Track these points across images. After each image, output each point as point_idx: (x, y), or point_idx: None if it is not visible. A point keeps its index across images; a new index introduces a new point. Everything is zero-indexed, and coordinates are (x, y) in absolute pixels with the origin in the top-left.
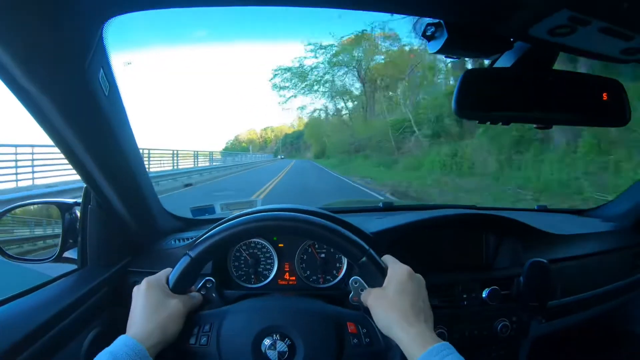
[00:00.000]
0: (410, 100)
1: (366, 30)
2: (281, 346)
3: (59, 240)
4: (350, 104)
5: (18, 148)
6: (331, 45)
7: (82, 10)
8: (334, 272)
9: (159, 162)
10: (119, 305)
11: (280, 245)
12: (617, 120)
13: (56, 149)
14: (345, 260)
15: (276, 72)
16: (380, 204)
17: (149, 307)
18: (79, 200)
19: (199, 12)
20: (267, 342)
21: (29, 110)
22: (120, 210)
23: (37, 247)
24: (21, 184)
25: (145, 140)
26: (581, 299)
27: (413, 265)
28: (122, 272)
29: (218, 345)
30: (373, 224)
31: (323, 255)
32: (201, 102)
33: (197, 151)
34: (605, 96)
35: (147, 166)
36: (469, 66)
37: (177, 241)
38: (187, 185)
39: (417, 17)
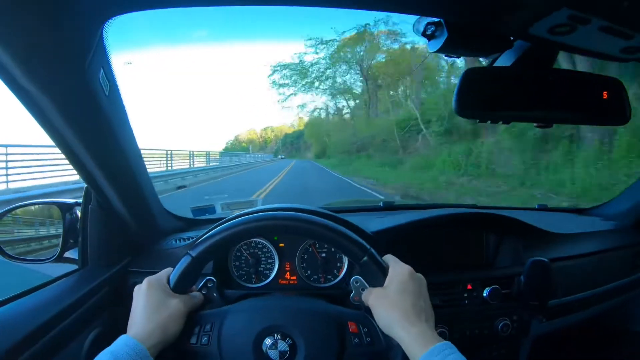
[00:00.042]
0: (417, 97)
1: (369, 24)
2: (282, 346)
3: (59, 241)
4: (352, 103)
5: (9, 148)
6: (333, 40)
7: (82, 10)
8: (335, 271)
9: (150, 162)
10: (119, 306)
11: (280, 244)
12: (617, 119)
13: (53, 150)
14: (346, 260)
15: (275, 68)
16: (381, 204)
17: (150, 306)
18: (80, 200)
19: (199, 12)
20: (268, 341)
21: (29, 110)
22: (121, 210)
23: (37, 247)
24: (17, 184)
25: (144, 140)
26: (582, 298)
27: (414, 264)
28: (122, 272)
29: (219, 345)
30: (373, 223)
31: (324, 254)
32: (201, 102)
33: (193, 151)
34: (605, 95)
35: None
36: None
37: (177, 241)
38: (179, 188)
39: (417, 16)
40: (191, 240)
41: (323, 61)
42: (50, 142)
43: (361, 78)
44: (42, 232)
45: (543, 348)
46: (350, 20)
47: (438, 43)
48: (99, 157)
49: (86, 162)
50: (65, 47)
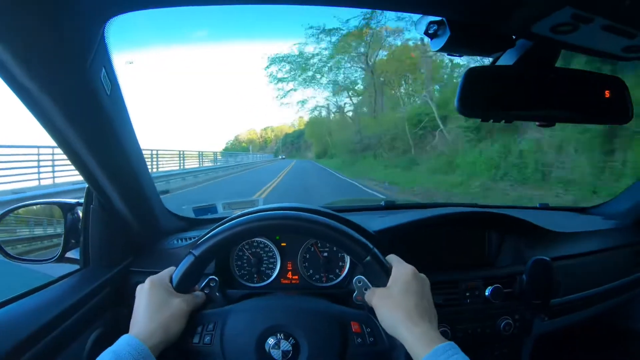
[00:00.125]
0: (428, 92)
1: (376, 11)
2: (285, 345)
3: (61, 241)
4: (355, 100)
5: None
6: (336, 30)
7: (83, 10)
8: (337, 270)
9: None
10: (121, 306)
11: (282, 244)
12: (619, 117)
13: (51, 150)
14: (348, 259)
15: (273, 60)
16: (382, 203)
17: (152, 306)
18: (81, 200)
19: (199, 12)
20: (271, 341)
21: (31, 110)
22: (123, 210)
23: (38, 247)
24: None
25: (143, 140)
26: (584, 297)
27: (416, 263)
28: (124, 272)
29: (222, 345)
30: (375, 222)
31: (326, 254)
32: (201, 102)
33: (184, 151)
34: (607, 94)
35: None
36: None
37: (179, 241)
38: (162, 193)
39: (419, 15)
40: (193, 240)
41: (325, 52)
42: (50, 142)
43: (365, 71)
44: (44, 232)
45: (545, 347)
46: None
47: (440, 42)
48: (100, 156)
49: (88, 162)
50: (66, 46)
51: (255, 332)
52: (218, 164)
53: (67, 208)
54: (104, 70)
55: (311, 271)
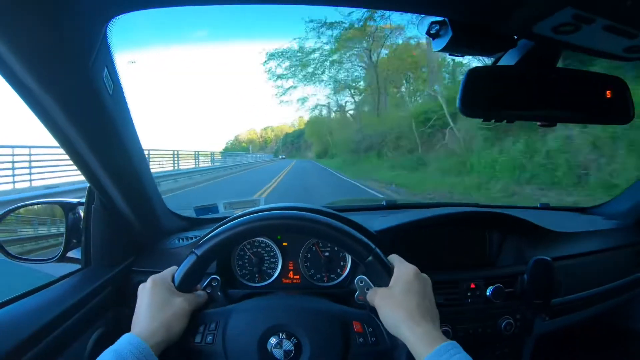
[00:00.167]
0: (432, 88)
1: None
2: (287, 345)
3: (62, 240)
4: (357, 98)
5: (16, 149)
6: (338, 23)
7: (85, 10)
8: (338, 270)
9: None
10: (122, 305)
11: (284, 244)
12: (621, 117)
13: (54, 150)
14: (349, 259)
15: (271, 56)
16: (384, 202)
17: (154, 305)
18: (82, 200)
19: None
20: (273, 340)
21: (33, 109)
22: (124, 210)
23: (40, 246)
24: (18, 185)
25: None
26: (584, 297)
27: (417, 263)
28: (125, 271)
29: (224, 344)
30: (377, 222)
31: (327, 253)
32: (201, 102)
33: (178, 151)
34: (609, 94)
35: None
36: None
37: (180, 240)
38: None
39: (421, 15)
40: (194, 239)
41: (327, 46)
42: (50, 142)
43: (368, 67)
44: (45, 231)
45: (546, 346)
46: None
47: (442, 42)
48: (102, 156)
49: (89, 162)
50: (69, 46)
51: (258, 331)
52: (216, 164)
53: (69, 208)
54: (106, 70)
55: (312, 271)
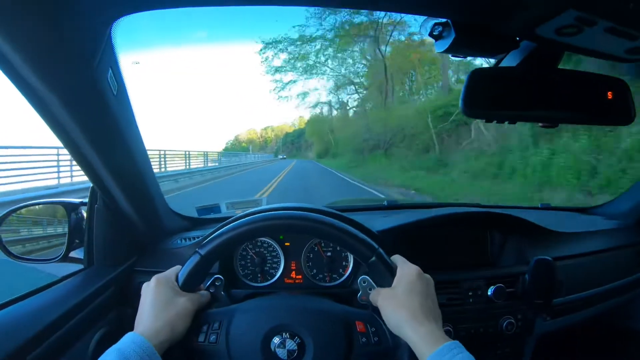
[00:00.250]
0: (445, 82)
1: None
2: (290, 345)
3: (64, 240)
4: (361, 93)
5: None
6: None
7: (90, 11)
8: (340, 270)
9: None
10: (125, 305)
11: (286, 244)
12: (622, 119)
13: (54, 151)
14: (351, 259)
15: (268, 44)
16: (385, 202)
17: (158, 304)
18: (85, 200)
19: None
20: (276, 340)
21: (38, 110)
22: (127, 210)
23: (42, 246)
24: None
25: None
26: (585, 297)
27: (419, 263)
28: (128, 271)
29: (227, 344)
30: (379, 222)
31: (329, 253)
32: (201, 102)
33: (165, 151)
34: (610, 95)
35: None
36: None
37: (183, 240)
38: None
39: (424, 17)
40: (197, 239)
41: (330, 34)
42: (50, 143)
43: (373, 59)
44: (47, 231)
45: (547, 346)
46: None
47: (445, 43)
48: (105, 156)
49: (93, 162)
50: (74, 47)
51: (261, 331)
52: (214, 164)
53: (71, 208)
54: (110, 70)
55: (315, 271)
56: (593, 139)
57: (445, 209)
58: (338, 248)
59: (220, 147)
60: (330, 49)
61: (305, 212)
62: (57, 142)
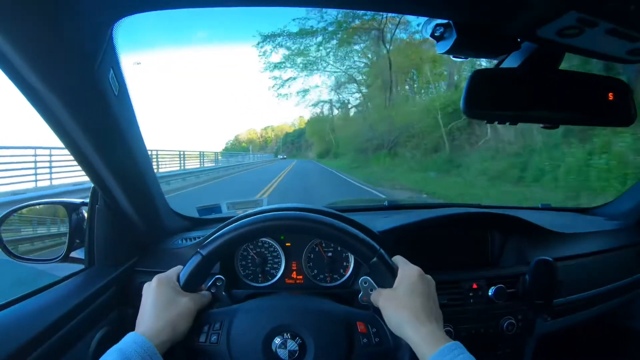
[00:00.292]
0: (451, 79)
1: None
2: (292, 345)
3: (65, 240)
4: (362, 91)
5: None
6: None
7: (92, 11)
8: (341, 270)
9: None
10: (126, 305)
11: (287, 244)
12: (623, 120)
13: (57, 151)
14: (352, 259)
15: (266, 38)
16: (386, 202)
17: (159, 304)
18: (86, 200)
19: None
20: (277, 340)
21: (39, 110)
22: (128, 210)
23: (43, 246)
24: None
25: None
26: (586, 297)
27: (419, 263)
28: (129, 271)
29: (228, 344)
30: (380, 222)
31: (330, 254)
32: (202, 103)
33: (157, 151)
34: (611, 96)
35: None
36: None
37: (184, 240)
38: None
39: (426, 18)
40: (197, 239)
41: (332, 27)
42: (49, 143)
43: (376, 54)
44: (48, 231)
45: (548, 347)
46: None
47: (447, 44)
48: (107, 157)
49: (94, 162)
50: (75, 47)
51: (262, 331)
52: (212, 164)
53: (72, 208)
54: (111, 71)
55: (315, 271)
56: (638, 137)
57: (446, 210)
58: (339, 248)
59: (220, 147)
60: (333, 41)
61: (306, 213)
62: (50, 143)
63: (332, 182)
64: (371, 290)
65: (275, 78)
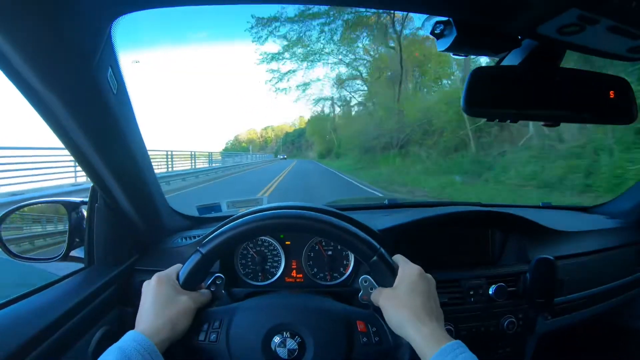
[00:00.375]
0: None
1: None
2: (291, 344)
3: (65, 239)
4: (367, 84)
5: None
6: None
7: (90, 9)
8: (341, 269)
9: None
10: (126, 304)
11: (287, 242)
12: (624, 118)
13: (47, 152)
14: (352, 257)
15: (260, 21)
16: (386, 201)
17: (159, 302)
18: (86, 199)
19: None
20: (277, 339)
21: (37, 109)
22: (128, 209)
23: (42, 245)
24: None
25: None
26: (587, 296)
27: (420, 262)
28: (129, 270)
29: (227, 342)
30: (380, 221)
31: (330, 252)
32: (201, 102)
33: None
34: (612, 94)
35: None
36: None
37: (183, 239)
38: None
39: (426, 15)
40: (197, 238)
41: (334, 13)
42: (49, 143)
43: (382, 44)
44: (48, 230)
45: (548, 345)
46: None
47: (447, 42)
48: (106, 155)
49: (93, 161)
50: (73, 46)
51: (262, 330)
52: (204, 165)
53: (72, 207)
54: (110, 69)
55: (315, 269)
56: None
57: (447, 208)
58: (339, 247)
59: (220, 147)
60: (337, 22)
61: (307, 211)
62: (52, 143)
63: (334, 185)
64: (371, 289)
65: (273, 71)
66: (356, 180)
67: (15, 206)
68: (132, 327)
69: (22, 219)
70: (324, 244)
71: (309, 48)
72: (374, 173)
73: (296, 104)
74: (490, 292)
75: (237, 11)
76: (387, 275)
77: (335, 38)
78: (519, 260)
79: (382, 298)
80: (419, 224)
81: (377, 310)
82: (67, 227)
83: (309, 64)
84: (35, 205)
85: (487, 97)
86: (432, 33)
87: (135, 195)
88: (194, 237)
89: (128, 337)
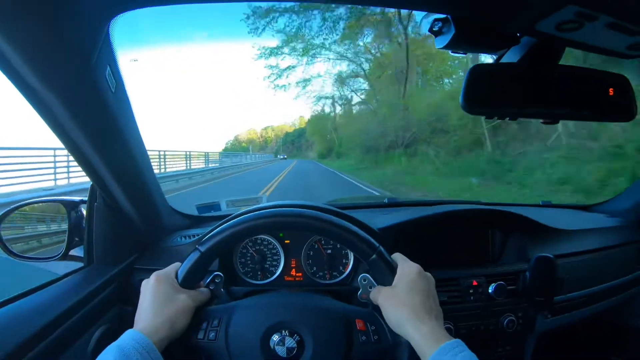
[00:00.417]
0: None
1: None
2: (290, 342)
3: (64, 238)
4: (370, 81)
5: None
6: None
7: (88, 8)
8: (341, 267)
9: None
10: (125, 303)
11: (286, 241)
12: (623, 115)
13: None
14: (351, 256)
15: (257, 10)
16: (386, 200)
17: (158, 301)
18: (85, 198)
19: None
20: (275, 338)
21: (36, 108)
22: (127, 208)
23: (42, 244)
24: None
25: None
26: (587, 294)
27: (420, 260)
28: (128, 269)
29: (226, 341)
30: (379, 219)
31: (329, 251)
32: (201, 102)
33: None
34: (611, 91)
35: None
36: None
37: (183, 238)
38: None
39: (424, 12)
40: (196, 237)
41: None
42: (48, 144)
43: (390, 43)
44: (47, 230)
45: (548, 344)
46: None
47: (445, 39)
48: (105, 154)
49: (92, 160)
50: (71, 44)
51: (261, 328)
52: (202, 165)
53: (71, 206)
54: (108, 68)
55: (315, 268)
56: None
57: (447, 207)
58: (338, 246)
59: (220, 147)
60: (340, 10)
61: (306, 210)
62: (53, 144)
63: (336, 187)
64: (370, 287)
65: (272, 67)
66: (362, 184)
67: (15, 205)
68: (132, 325)
69: (22, 218)
70: (323, 242)
71: (308, 42)
72: (377, 174)
73: (296, 101)
74: (489, 291)
75: (236, 9)
76: (386, 274)
77: (338, 28)
78: (519, 258)
79: (381, 296)
80: (419, 223)
81: (376, 308)
82: (67, 226)
83: (309, 59)
84: (35, 205)
85: (486, 94)
86: (430, 30)
87: (134, 194)
88: (194, 236)
89: (127, 336)
